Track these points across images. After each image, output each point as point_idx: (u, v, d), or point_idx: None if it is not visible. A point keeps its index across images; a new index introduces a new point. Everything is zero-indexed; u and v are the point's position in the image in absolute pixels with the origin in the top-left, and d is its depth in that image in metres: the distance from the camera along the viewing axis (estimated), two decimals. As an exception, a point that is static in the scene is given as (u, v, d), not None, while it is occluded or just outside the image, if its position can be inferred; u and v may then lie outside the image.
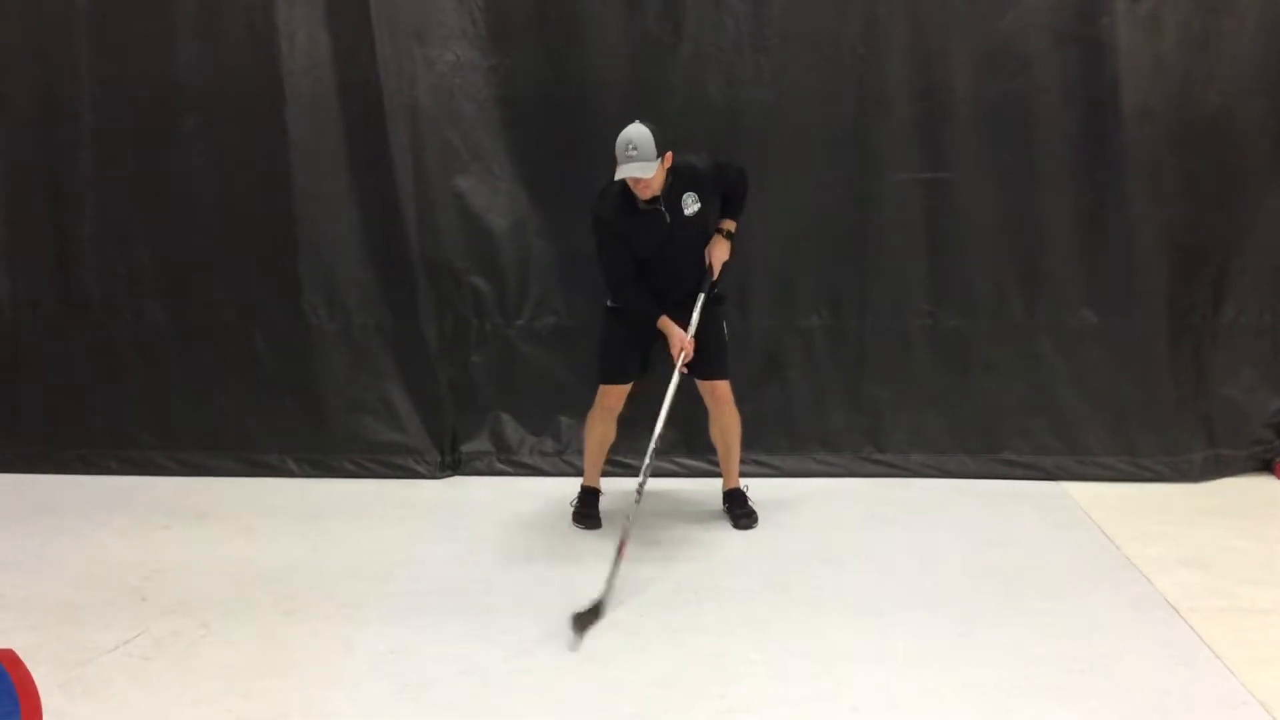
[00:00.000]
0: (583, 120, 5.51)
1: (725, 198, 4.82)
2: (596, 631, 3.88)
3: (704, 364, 4.78)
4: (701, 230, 4.73)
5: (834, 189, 5.50)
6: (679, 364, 4.62)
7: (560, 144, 5.56)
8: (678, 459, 5.66)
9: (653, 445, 4.56)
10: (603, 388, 4.87)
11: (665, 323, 4.65)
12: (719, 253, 4.79)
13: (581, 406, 5.64)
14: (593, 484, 5.06)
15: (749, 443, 5.13)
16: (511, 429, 5.78)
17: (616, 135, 5.44)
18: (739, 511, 4.98)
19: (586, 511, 5.00)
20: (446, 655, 3.71)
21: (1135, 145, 5.38)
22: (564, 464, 5.64)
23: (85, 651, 3.72)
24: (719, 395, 4.86)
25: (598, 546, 4.69)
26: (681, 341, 4.61)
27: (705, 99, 5.47)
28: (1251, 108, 5.41)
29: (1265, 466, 5.65)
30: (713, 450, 5.42)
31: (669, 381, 4.65)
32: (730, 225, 4.84)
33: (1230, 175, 5.46)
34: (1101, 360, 5.58)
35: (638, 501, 4.42)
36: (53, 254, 5.72)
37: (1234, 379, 5.62)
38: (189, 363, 5.75)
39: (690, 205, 4.62)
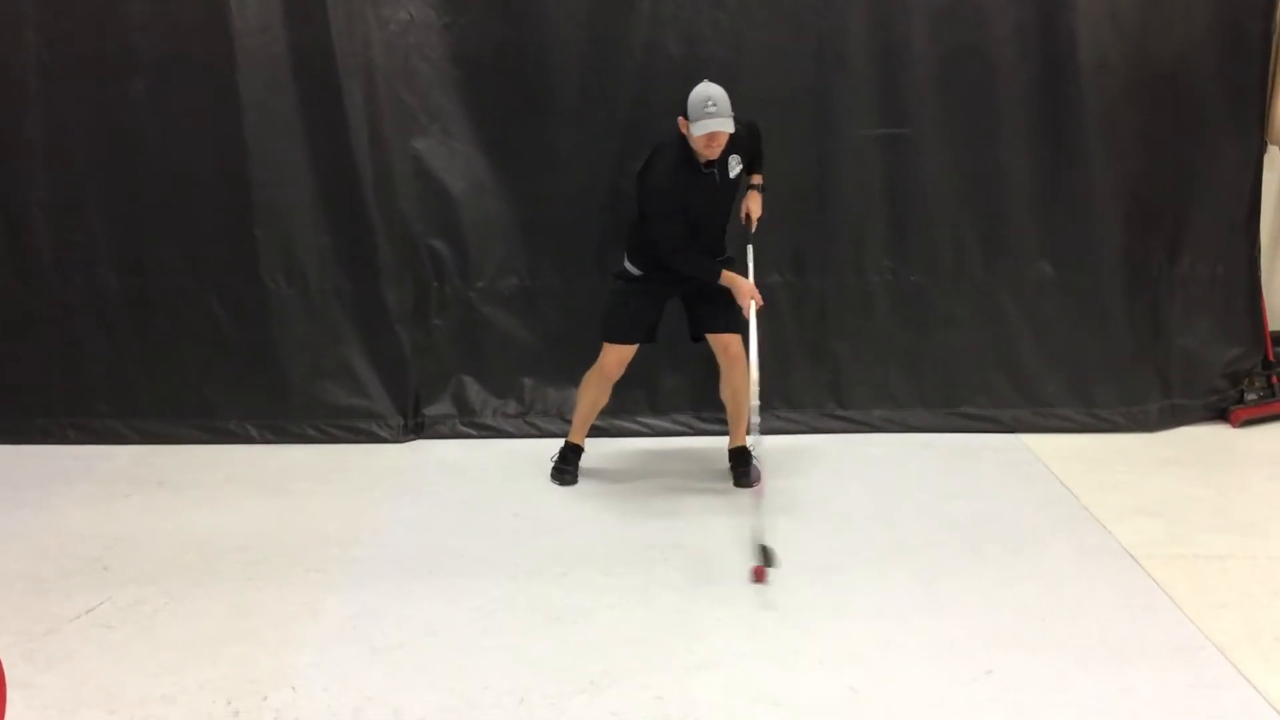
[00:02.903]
0: (540, 80, 5.48)
1: (751, 155, 4.86)
2: (563, 591, 3.90)
3: (719, 318, 4.81)
4: (736, 192, 4.77)
5: (794, 146, 5.48)
6: (751, 314, 4.62)
7: (518, 104, 5.52)
8: (641, 419, 5.68)
9: (755, 399, 4.57)
10: (609, 347, 4.86)
11: (729, 276, 4.64)
12: (756, 207, 4.85)
13: (543, 368, 5.67)
14: (578, 441, 5.08)
15: (713, 401, 5.14)
16: (474, 392, 5.76)
17: (575, 95, 5.43)
18: (742, 468, 5.00)
19: (566, 468, 5.03)
20: (414, 618, 3.71)
21: (1092, 98, 5.41)
22: (527, 426, 5.65)
23: (49, 622, 3.70)
24: (733, 350, 4.82)
25: (562, 508, 4.72)
26: (749, 290, 4.63)
27: (664, 57, 5.43)
28: (1208, 59, 5.44)
29: (1221, 415, 5.73)
30: (678, 410, 5.46)
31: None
32: (759, 179, 4.89)
33: (1186, 127, 5.50)
34: (1059, 313, 5.64)
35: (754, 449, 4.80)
36: (3, 222, 5.61)
37: (1190, 330, 5.70)
38: (146, 330, 5.68)
39: (734, 167, 4.63)
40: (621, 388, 5.12)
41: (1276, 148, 5.68)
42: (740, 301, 4.64)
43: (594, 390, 4.99)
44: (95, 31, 5.43)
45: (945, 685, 3.24)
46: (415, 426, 5.71)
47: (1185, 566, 4.00)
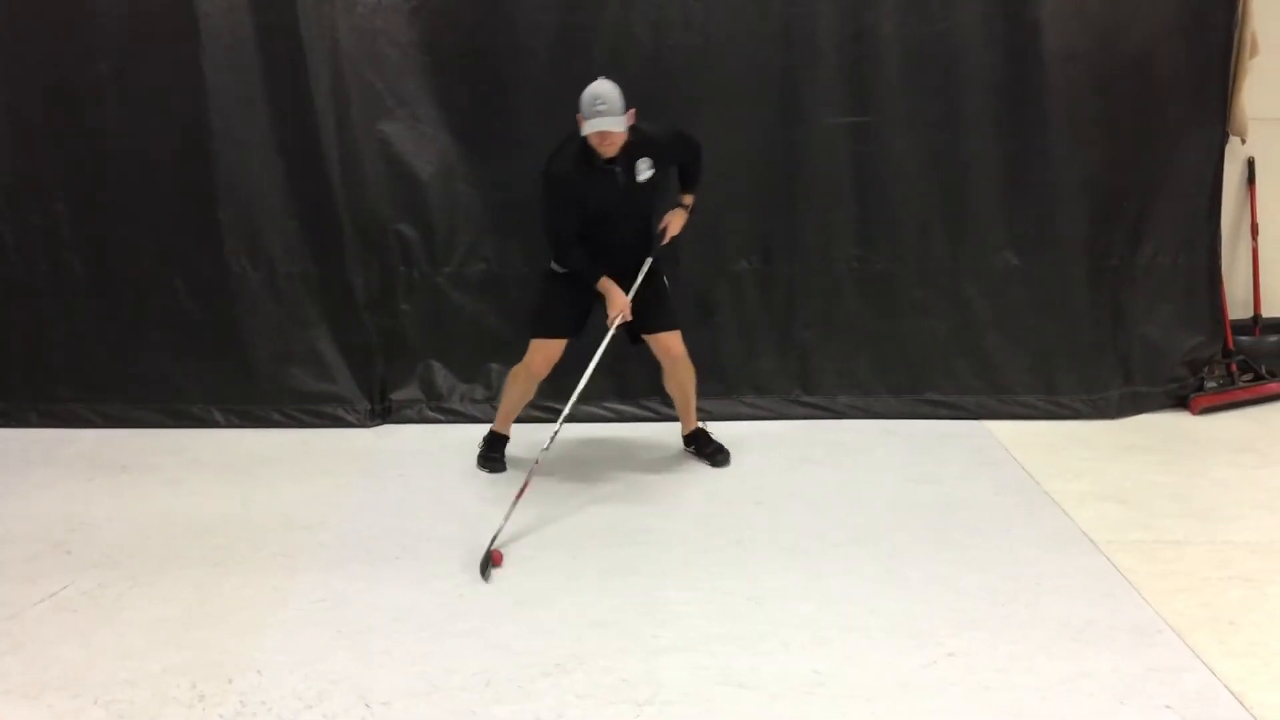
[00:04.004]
0: (509, 64, 5.46)
1: (683, 171, 4.83)
2: (530, 574, 3.91)
3: (650, 319, 4.78)
4: (650, 197, 4.72)
5: (762, 134, 5.51)
6: (613, 326, 4.60)
7: (486, 89, 5.50)
8: (608, 404, 5.69)
9: (574, 396, 4.59)
10: (534, 342, 4.84)
11: (606, 284, 4.62)
12: (675, 225, 4.81)
13: (511, 353, 5.62)
14: (503, 430, 5.08)
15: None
16: (442, 377, 5.76)
17: (544, 80, 5.41)
18: (710, 449, 5.02)
19: (493, 455, 5.05)
20: (381, 602, 3.71)
21: (1058, 88, 5.45)
22: (494, 411, 5.60)
23: (11, 606, 3.67)
24: (674, 351, 4.82)
25: (528, 493, 4.70)
26: (620, 304, 4.60)
27: (634, 43, 5.43)
28: (1171, 51, 5.49)
29: (1180, 402, 5.80)
30: (646, 395, 5.50)
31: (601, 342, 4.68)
32: (688, 199, 4.85)
33: (1149, 117, 5.55)
34: (1023, 301, 5.68)
35: (546, 449, 4.51)
36: (-36, 204, 5.57)
37: (1151, 318, 5.76)
38: (109, 313, 5.65)
39: (644, 171, 4.58)
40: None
41: (1238, 138, 5.75)
42: (609, 312, 4.62)
43: (520, 387, 4.95)
44: (59, 12, 5.37)
45: (908, 667, 3.27)
46: (382, 411, 5.70)
47: (1144, 551, 4.05)
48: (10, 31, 5.39)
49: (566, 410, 4.57)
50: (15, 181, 5.53)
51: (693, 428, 5.10)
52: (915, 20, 5.43)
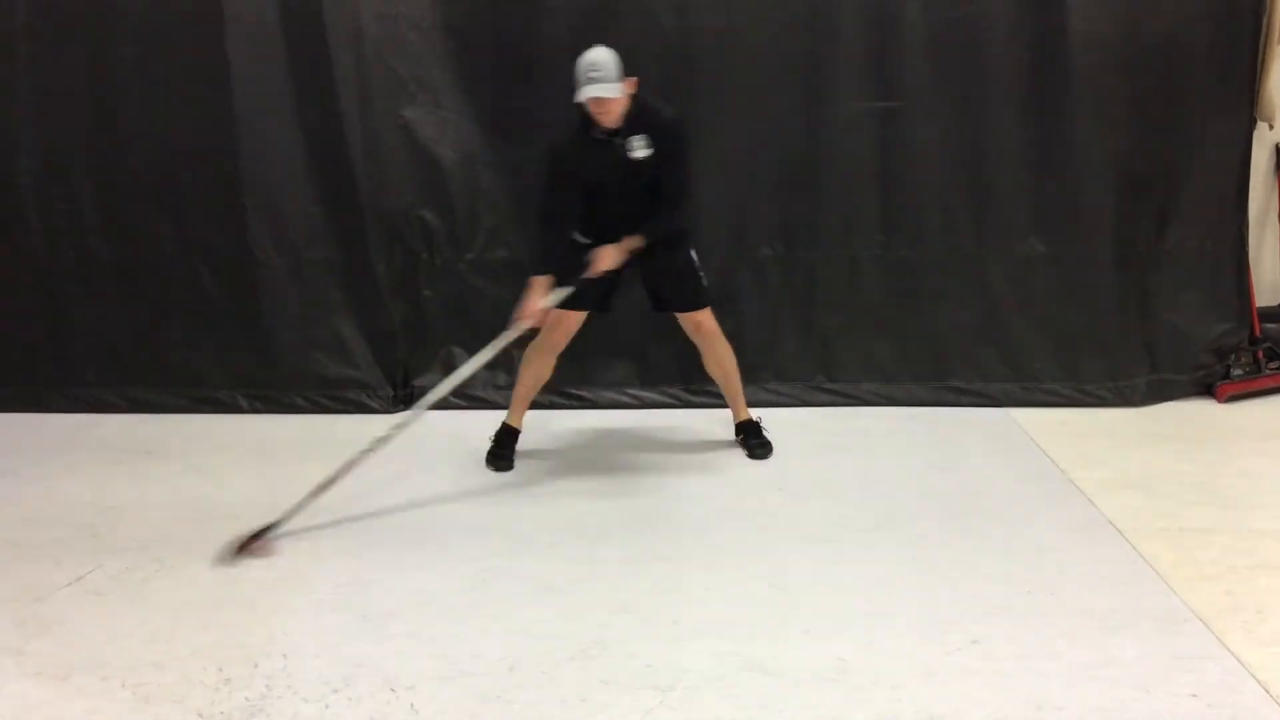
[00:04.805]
0: (531, 48, 5.47)
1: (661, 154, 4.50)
2: (553, 560, 3.91)
3: (674, 298, 4.75)
4: (645, 178, 4.50)
5: (785, 118, 5.49)
6: (514, 330, 4.48)
7: (508, 73, 5.51)
8: (631, 391, 5.69)
9: (447, 387, 4.55)
10: (553, 313, 4.80)
11: (534, 283, 4.47)
12: (604, 260, 4.52)
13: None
14: (514, 424, 4.96)
15: (703, 373, 5.15)
16: (464, 363, 5.75)
17: (566, 65, 5.39)
18: (753, 442, 4.95)
19: (502, 453, 4.91)
20: (404, 587, 3.72)
21: (1084, 72, 5.42)
22: (516, 398, 5.65)
23: (39, 589, 3.70)
24: (704, 329, 4.75)
25: (551, 479, 4.73)
26: (530, 311, 4.45)
27: (657, 25, 5.43)
28: (1197, 35, 5.45)
29: (1206, 390, 5.77)
30: (668, 382, 5.47)
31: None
32: (636, 241, 4.55)
33: (1176, 102, 5.52)
34: (1048, 288, 5.66)
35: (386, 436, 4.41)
36: (-9, 190, 5.61)
37: (1177, 305, 5.72)
38: (135, 299, 5.69)
39: (638, 148, 4.44)
40: (609, 359, 5.13)
41: (1266, 124, 5.70)
42: (518, 313, 4.49)
43: (537, 362, 4.86)
44: (83, -2, 5.41)
45: (932, 655, 3.26)
46: (405, 397, 5.72)
47: (1170, 539, 4.03)
48: (36, 18, 5.42)
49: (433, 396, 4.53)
50: (41, 168, 5.57)
51: (744, 418, 5.00)
52: (941, 4, 5.39)
